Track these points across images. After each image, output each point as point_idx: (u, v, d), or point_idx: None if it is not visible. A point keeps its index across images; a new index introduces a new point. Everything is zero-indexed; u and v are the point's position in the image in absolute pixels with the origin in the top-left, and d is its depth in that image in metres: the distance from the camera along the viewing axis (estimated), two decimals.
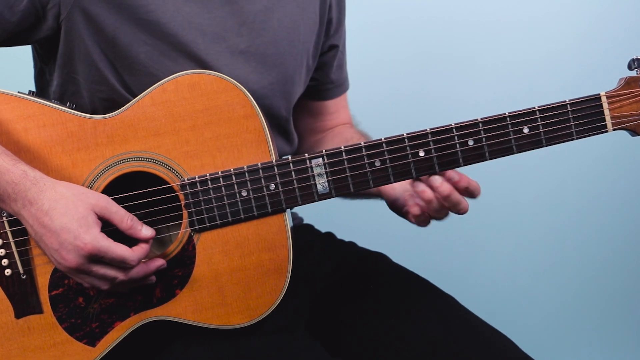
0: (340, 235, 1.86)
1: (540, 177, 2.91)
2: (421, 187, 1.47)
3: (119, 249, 1.35)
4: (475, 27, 2.78)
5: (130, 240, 1.39)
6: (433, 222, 1.54)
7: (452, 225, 2.77)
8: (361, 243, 1.85)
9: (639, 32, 2.76)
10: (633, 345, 3.04)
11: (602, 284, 3.03)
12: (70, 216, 1.34)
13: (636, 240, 3.01)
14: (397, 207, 1.59)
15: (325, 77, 1.81)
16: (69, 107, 1.45)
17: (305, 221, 1.89)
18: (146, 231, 1.40)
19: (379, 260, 1.80)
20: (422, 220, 1.52)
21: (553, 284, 3.01)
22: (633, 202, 2.98)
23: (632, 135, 1.50)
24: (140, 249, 1.38)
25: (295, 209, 1.85)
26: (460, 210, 1.48)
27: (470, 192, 1.47)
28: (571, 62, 2.78)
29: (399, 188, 1.59)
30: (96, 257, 1.34)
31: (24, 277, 1.45)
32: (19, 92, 1.45)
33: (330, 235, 1.87)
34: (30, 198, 1.35)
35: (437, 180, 1.45)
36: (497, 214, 2.90)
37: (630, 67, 1.48)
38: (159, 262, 1.42)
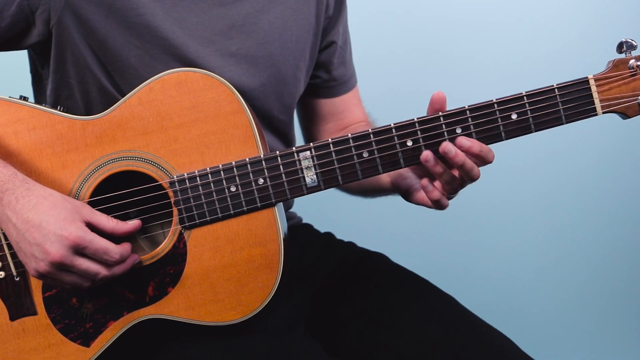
0: (340, 235, 1.85)
1: (540, 178, 2.90)
2: (432, 161, 1.43)
3: (103, 241, 1.36)
4: (474, 25, 2.78)
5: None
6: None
7: (452, 225, 2.79)
8: (360, 243, 1.84)
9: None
10: (633, 345, 3.00)
11: (602, 284, 3.00)
12: (57, 211, 1.35)
13: (636, 240, 2.97)
14: (411, 194, 1.56)
15: (327, 74, 1.80)
16: (59, 110, 1.47)
17: (304, 221, 1.88)
18: (132, 223, 1.42)
19: (378, 260, 1.79)
20: (441, 202, 1.47)
21: (553, 284, 2.99)
22: (633, 202, 2.94)
23: (623, 118, 1.48)
24: (124, 246, 1.40)
25: (294, 209, 1.85)
26: (473, 177, 1.44)
27: (482, 158, 1.44)
28: (572, 62, 2.76)
29: (410, 176, 1.56)
30: (80, 248, 1.34)
31: (18, 279, 1.45)
32: (9, 97, 1.47)
33: (329, 235, 1.86)
34: (17, 195, 1.36)
35: (451, 151, 1.42)
36: (497, 214, 2.89)
37: (619, 49, 1.46)
38: (134, 258, 1.43)
